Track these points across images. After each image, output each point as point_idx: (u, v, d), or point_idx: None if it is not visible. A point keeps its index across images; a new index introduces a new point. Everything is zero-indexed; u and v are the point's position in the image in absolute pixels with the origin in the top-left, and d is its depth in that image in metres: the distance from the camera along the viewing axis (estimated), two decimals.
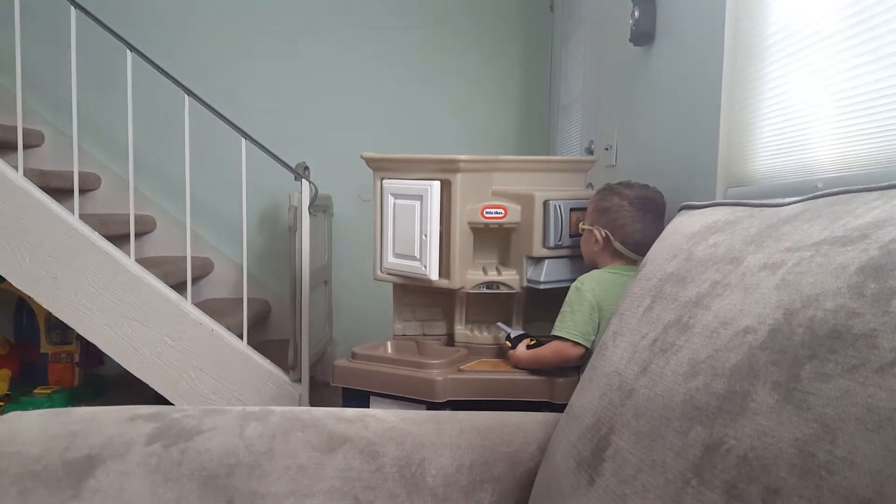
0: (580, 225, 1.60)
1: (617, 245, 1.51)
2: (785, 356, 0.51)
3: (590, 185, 1.88)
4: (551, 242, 1.60)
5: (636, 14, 1.75)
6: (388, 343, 1.74)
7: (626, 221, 1.50)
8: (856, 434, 0.42)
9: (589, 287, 1.47)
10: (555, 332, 1.48)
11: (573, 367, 1.52)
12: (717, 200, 0.87)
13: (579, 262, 1.63)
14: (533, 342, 1.55)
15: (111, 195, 3.10)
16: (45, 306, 2.25)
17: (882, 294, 0.47)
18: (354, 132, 3.20)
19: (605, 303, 1.44)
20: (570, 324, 1.46)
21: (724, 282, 0.64)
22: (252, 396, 2.32)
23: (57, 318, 2.28)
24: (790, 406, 0.47)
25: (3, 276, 2.23)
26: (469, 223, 1.63)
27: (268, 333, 3.19)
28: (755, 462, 0.48)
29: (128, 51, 2.27)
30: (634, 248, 1.50)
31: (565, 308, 1.48)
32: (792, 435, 0.46)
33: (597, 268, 1.55)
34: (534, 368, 1.53)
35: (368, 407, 1.56)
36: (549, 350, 1.49)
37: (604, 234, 1.52)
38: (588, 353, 1.45)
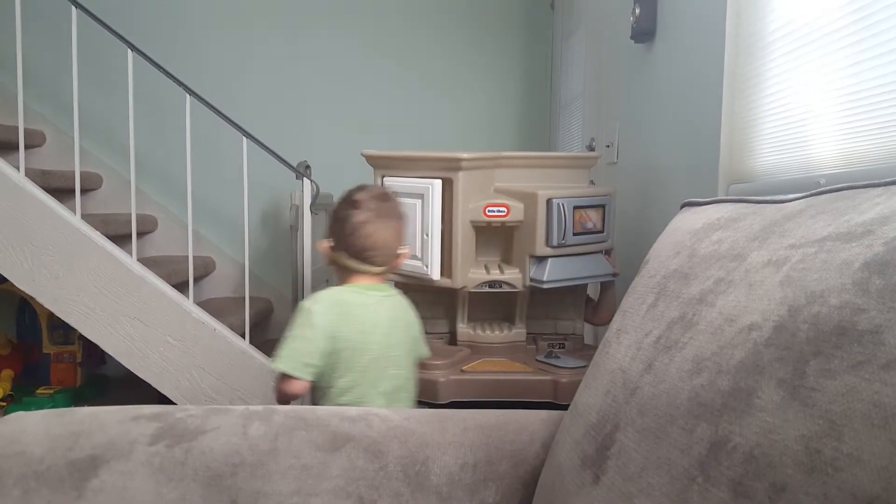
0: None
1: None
2: (790, 353, 0.50)
3: (592, 183, 1.87)
4: (554, 241, 1.58)
5: (637, 11, 1.75)
6: None
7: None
8: (862, 430, 0.42)
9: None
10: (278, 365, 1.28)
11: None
12: (719, 197, 0.87)
13: (583, 261, 1.62)
14: None
15: (113, 195, 3.10)
16: (46, 306, 2.25)
17: (887, 290, 0.47)
18: (355, 130, 3.20)
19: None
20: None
21: (728, 278, 0.64)
22: (255, 396, 2.32)
23: (59, 319, 2.27)
24: (796, 403, 0.47)
25: (5, 276, 2.23)
26: (471, 221, 1.62)
27: (270, 333, 3.18)
28: (761, 459, 0.47)
29: (129, 50, 2.27)
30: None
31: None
32: (798, 432, 0.46)
33: None
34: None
35: None
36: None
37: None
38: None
